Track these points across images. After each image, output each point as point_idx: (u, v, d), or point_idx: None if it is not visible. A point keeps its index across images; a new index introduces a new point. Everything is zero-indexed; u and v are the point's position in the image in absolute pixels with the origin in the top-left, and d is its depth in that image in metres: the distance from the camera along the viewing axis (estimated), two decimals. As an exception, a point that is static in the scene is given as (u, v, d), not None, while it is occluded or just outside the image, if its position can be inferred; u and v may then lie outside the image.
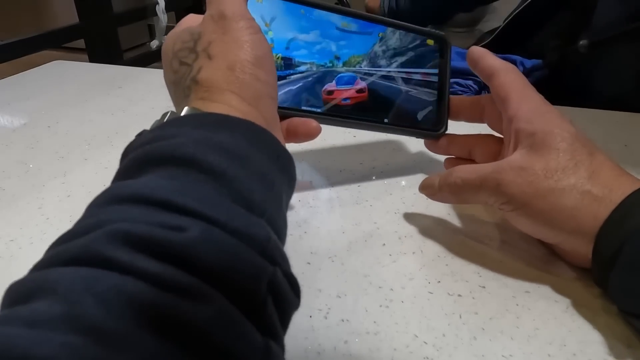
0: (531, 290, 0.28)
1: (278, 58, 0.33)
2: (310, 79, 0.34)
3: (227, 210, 0.19)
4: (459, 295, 0.28)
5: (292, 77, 0.33)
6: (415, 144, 0.45)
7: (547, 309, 0.27)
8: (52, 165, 0.42)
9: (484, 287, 0.28)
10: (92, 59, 1.59)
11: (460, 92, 0.65)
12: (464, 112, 0.38)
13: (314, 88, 0.34)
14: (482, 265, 0.30)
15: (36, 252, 0.31)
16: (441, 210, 0.35)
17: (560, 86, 0.63)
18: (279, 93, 0.31)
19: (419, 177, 0.39)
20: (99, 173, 0.40)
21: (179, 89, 0.28)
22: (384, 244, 0.32)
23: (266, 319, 0.17)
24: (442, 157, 0.42)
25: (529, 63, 0.67)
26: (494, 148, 0.35)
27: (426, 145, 0.39)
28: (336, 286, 0.28)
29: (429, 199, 0.33)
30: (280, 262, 0.19)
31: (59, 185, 0.39)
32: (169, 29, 1.85)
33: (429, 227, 0.33)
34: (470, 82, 0.66)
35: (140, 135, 0.24)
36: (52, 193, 0.38)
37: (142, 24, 2.85)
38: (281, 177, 0.23)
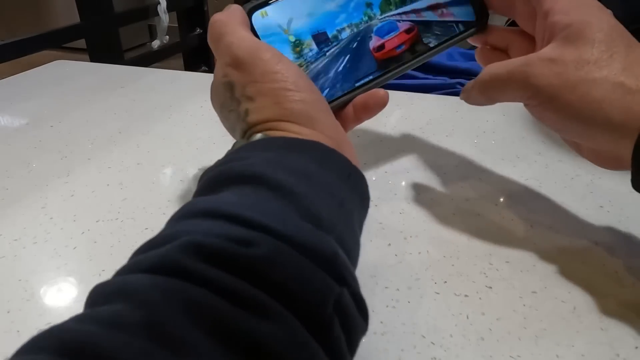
0: (538, 290, 0.28)
1: (308, 44, 0.32)
2: (351, 45, 0.32)
3: (294, 225, 0.19)
4: (466, 296, 0.27)
5: (333, 50, 0.32)
6: (419, 144, 0.44)
7: (554, 310, 0.26)
8: (55, 165, 0.42)
9: (490, 287, 0.28)
10: (93, 59, 1.59)
11: None
12: (494, 3, 0.35)
13: (360, 54, 0.32)
14: (488, 266, 0.30)
15: (40, 252, 0.32)
16: (447, 210, 0.35)
17: None
18: (328, 77, 0.31)
19: (424, 178, 0.39)
20: (102, 172, 0.40)
21: (236, 132, 0.29)
22: (390, 244, 0.32)
23: (332, 341, 0.17)
24: (445, 157, 0.42)
25: None
26: (530, 46, 0.32)
27: (470, 41, 0.36)
28: (342, 286, 0.28)
29: (434, 199, 0.33)
30: (348, 281, 0.19)
31: (62, 184, 0.39)
32: (170, 29, 1.85)
33: (434, 227, 0.33)
34: None
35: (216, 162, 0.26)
36: (56, 192, 0.38)
37: (142, 24, 2.85)
38: (352, 196, 0.23)
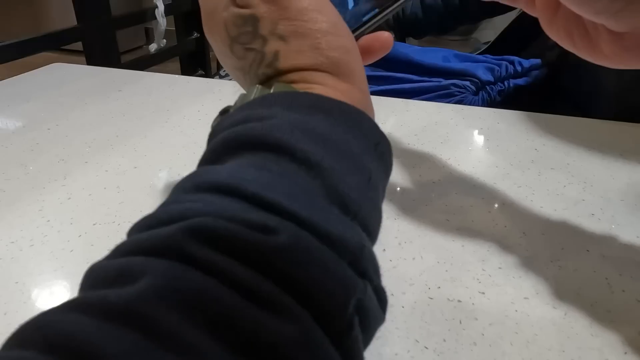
0: (530, 296, 0.28)
1: None
2: None
3: (320, 210, 0.17)
4: (459, 301, 0.28)
5: None
6: (414, 150, 0.45)
7: (545, 315, 0.27)
8: (52, 168, 0.42)
9: (483, 293, 0.28)
10: (90, 62, 1.59)
11: (457, 93, 0.66)
12: None
13: None
14: (481, 272, 0.30)
15: (37, 254, 0.32)
16: (441, 216, 0.35)
17: (559, 85, 0.64)
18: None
19: (418, 184, 0.39)
20: (99, 176, 0.41)
21: (250, 75, 0.25)
22: (384, 250, 0.32)
23: (349, 343, 0.16)
24: (440, 163, 0.42)
25: (527, 63, 0.68)
26: None
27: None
28: (337, 291, 0.28)
29: (428, 205, 0.33)
30: (371, 275, 0.17)
31: (59, 187, 0.39)
32: (167, 32, 1.86)
33: (428, 233, 0.34)
34: (467, 83, 0.67)
35: (224, 112, 0.22)
36: (53, 195, 0.38)
37: (139, 27, 2.85)
38: (378, 167, 0.21)
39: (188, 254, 0.15)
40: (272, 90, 0.22)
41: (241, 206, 0.16)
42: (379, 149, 0.21)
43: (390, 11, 0.32)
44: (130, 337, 0.13)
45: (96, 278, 0.15)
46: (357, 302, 0.16)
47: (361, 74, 0.25)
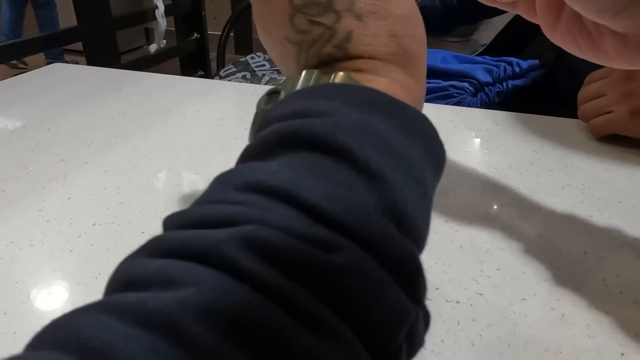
0: (527, 298, 0.28)
1: None
2: None
3: (381, 230, 0.16)
4: (457, 302, 0.28)
5: None
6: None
7: (543, 317, 0.27)
8: (52, 168, 0.42)
9: (481, 294, 0.29)
10: (90, 62, 1.59)
11: (456, 95, 0.66)
12: None
13: None
14: (479, 273, 0.30)
15: (37, 254, 0.32)
16: (439, 217, 0.36)
17: (556, 86, 0.64)
18: None
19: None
20: (99, 176, 0.41)
21: (308, 52, 0.23)
22: (383, 251, 0.32)
23: None
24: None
25: (525, 64, 0.68)
26: None
27: None
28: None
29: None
30: (423, 302, 0.16)
31: (59, 187, 0.39)
32: (167, 32, 1.86)
33: (427, 235, 0.34)
34: (466, 84, 0.67)
35: (273, 95, 0.20)
36: (53, 195, 0.38)
37: (139, 27, 2.85)
38: (433, 179, 0.20)
39: (239, 266, 0.13)
40: (331, 80, 0.20)
41: (299, 218, 0.15)
42: (437, 159, 0.20)
43: None
44: (169, 352, 0.12)
45: (134, 277, 0.14)
46: (409, 330, 0.15)
47: (425, 69, 0.23)
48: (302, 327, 0.13)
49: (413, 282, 0.16)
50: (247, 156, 0.19)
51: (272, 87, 0.22)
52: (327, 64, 0.22)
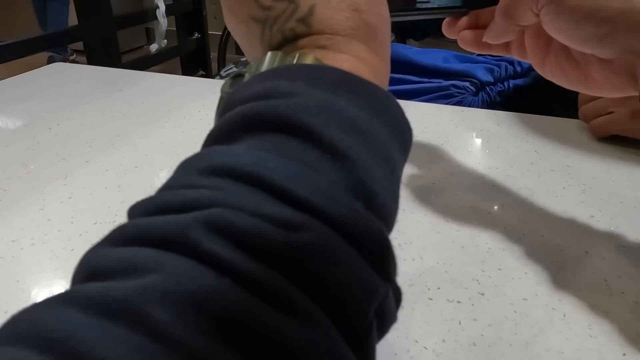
0: (529, 297, 0.28)
1: None
2: None
3: (348, 208, 0.15)
4: (459, 302, 0.28)
5: None
6: (414, 152, 0.45)
7: (544, 317, 0.27)
8: (53, 167, 0.42)
9: (483, 294, 0.28)
10: (91, 61, 1.59)
11: (457, 94, 0.66)
12: None
13: None
14: (481, 273, 0.30)
15: (38, 253, 0.32)
16: (440, 217, 0.35)
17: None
18: None
19: (418, 185, 0.40)
20: (100, 175, 0.41)
21: (272, 29, 0.23)
22: (384, 250, 0.32)
23: (367, 346, 0.15)
24: (440, 165, 0.43)
25: (526, 63, 0.68)
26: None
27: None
28: (337, 291, 0.28)
29: (428, 206, 0.33)
30: (393, 277, 0.16)
31: (60, 186, 0.39)
32: (168, 32, 1.86)
33: (428, 234, 0.34)
34: (467, 84, 0.67)
35: (237, 78, 0.20)
36: (54, 194, 0.38)
37: (139, 27, 2.85)
38: (400, 158, 0.20)
39: (204, 250, 0.13)
40: (295, 61, 0.20)
41: (265, 199, 0.15)
42: (403, 137, 0.20)
43: (395, 16, 0.33)
44: (132, 339, 0.11)
45: (97, 267, 0.14)
46: (378, 306, 0.15)
47: (389, 48, 0.23)
48: (271, 308, 0.13)
49: (382, 259, 0.16)
50: (212, 140, 0.19)
51: (236, 70, 0.22)
52: (290, 41, 0.22)
